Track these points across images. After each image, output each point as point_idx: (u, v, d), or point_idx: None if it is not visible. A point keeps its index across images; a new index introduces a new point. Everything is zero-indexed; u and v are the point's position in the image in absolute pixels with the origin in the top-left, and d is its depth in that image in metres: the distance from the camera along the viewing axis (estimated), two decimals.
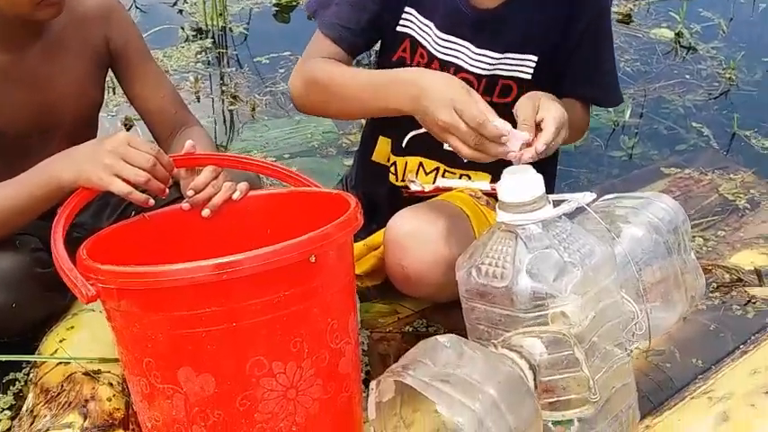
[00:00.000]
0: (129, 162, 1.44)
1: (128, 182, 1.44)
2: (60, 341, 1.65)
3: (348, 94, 1.56)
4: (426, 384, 1.24)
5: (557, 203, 1.41)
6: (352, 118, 1.78)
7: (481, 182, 1.60)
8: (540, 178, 1.38)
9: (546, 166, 1.62)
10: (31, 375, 1.65)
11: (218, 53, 3.15)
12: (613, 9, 3.25)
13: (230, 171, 1.61)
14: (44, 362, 1.63)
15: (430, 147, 1.58)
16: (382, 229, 1.81)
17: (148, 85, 1.80)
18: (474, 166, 1.71)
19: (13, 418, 1.58)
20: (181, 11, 3.45)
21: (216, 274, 1.21)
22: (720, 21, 3.37)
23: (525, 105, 1.44)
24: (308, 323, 1.29)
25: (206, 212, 1.55)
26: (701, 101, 2.88)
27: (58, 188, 1.47)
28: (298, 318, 1.28)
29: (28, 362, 1.68)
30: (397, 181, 1.81)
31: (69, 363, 1.60)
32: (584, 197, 1.38)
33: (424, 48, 1.67)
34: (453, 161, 1.72)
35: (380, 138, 1.83)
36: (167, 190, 1.49)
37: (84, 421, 1.48)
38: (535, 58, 1.64)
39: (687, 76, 3.02)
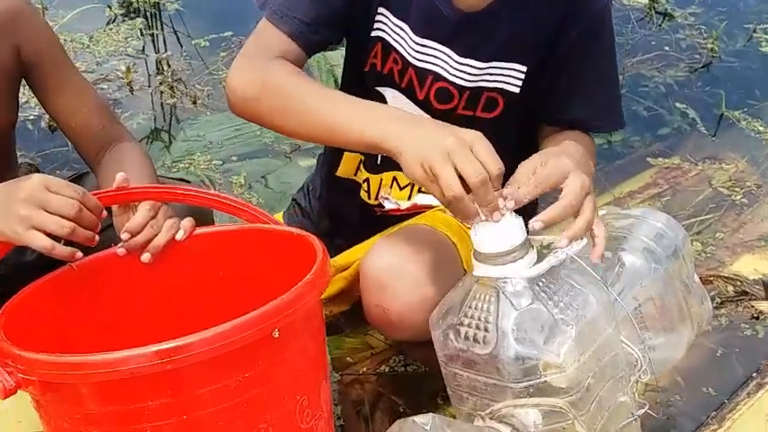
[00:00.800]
0: (49, 210, 1.25)
1: (49, 234, 1.25)
2: None
3: (317, 114, 1.33)
4: None
5: (541, 248, 1.25)
6: (314, 140, 1.53)
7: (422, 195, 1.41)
8: (519, 221, 1.22)
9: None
10: None
11: (152, 35, 2.91)
12: None
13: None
14: None
15: None
16: (352, 248, 1.65)
17: (69, 98, 1.59)
18: None
19: None
20: None
21: (159, 363, 1.03)
22: None
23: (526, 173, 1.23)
24: (273, 406, 1.13)
25: (146, 257, 1.37)
26: (683, 76, 2.75)
27: None
28: (261, 402, 1.11)
29: None
30: (369, 199, 1.63)
31: None
32: (575, 246, 1.22)
33: (397, 52, 1.48)
34: None
35: (345, 153, 1.64)
36: (96, 237, 1.30)
37: None
38: (524, 69, 1.46)
39: (666, 48, 2.88)
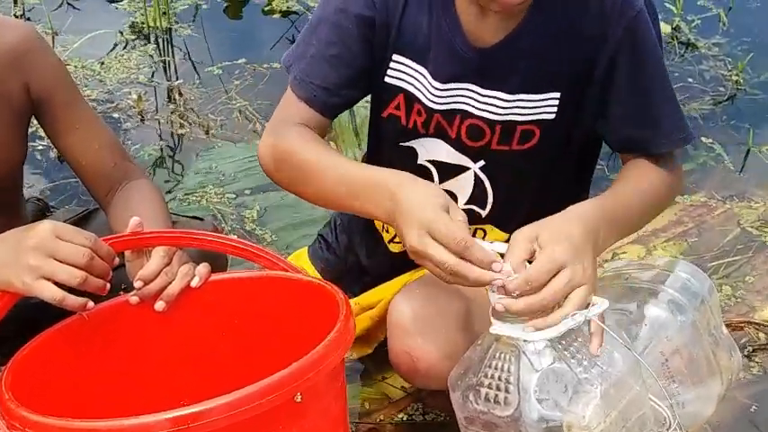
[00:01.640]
0: (59, 259, 1.22)
1: (59, 284, 1.22)
2: None
3: (322, 185, 1.37)
4: None
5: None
6: (329, 209, 1.56)
7: (498, 243, 1.40)
8: None
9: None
10: None
11: (163, 62, 2.89)
12: None
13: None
14: None
15: None
16: (379, 287, 1.62)
17: (80, 135, 1.56)
18: (494, 216, 1.53)
19: None
20: (119, 8, 3.18)
21: (176, 430, 1.00)
22: (719, 11, 3.19)
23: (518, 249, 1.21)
24: None
25: (160, 306, 1.35)
26: (707, 109, 2.71)
27: None
28: None
29: None
30: (402, 247, 1.59)
31: None
32: (596, 307, 1.18)
33: (420, 102, 1.45)
34: (468, 216, 1.51)
35: None
36: (107, 285, 1.27)
37: None
38: (557, 95, 1.41)
39: (690, 79, 2.84)
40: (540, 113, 1.42)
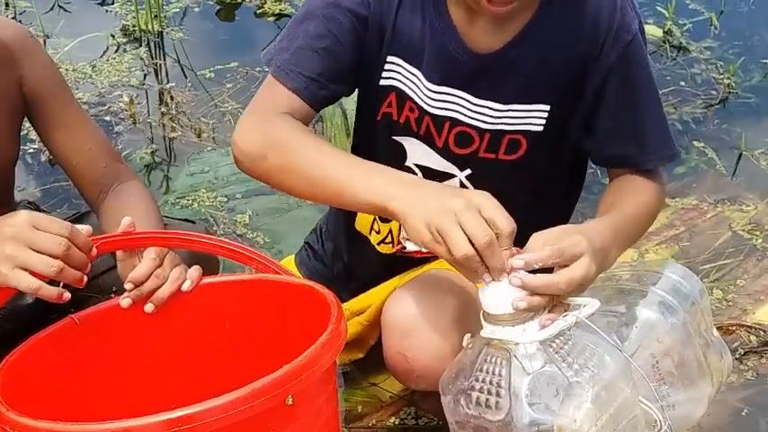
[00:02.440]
0: (35, 249, 1.21)
1: (36, 274, 1.21)
2: None
3: (320, 175, 1.32)
4: None
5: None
6: (318, 200, 1.55)
7: None
8: None
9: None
10: None
11: (155, 65, 2.89)
12: None
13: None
14: None
15: None
16: (369, 291, 1.62)
17: (72, 136, 1.56)
18: None
19: None
20: (110, 11, 3.17)
21: None
22: (711, 15, 3.20)
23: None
24: None
25: (149, 308, 1.35)
26: (699, 113, 2.71)
27: None
28: None
29: None
30: (393, 247, 1.59)
31: None
32: (588, 307, 1.18)
33: (413, 101, 1.45)
34: None
35: None
36: (85, 277, 1.26)
37: None
38: (547, 108, 1.42)
39: (682, 83, 2.85)
40: (528, 124, 1.43)
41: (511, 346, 1.18)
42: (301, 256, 1.79)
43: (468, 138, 1.45)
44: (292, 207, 2.25)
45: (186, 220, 1.67)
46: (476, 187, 1.48)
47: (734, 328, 1.81)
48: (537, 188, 1.51)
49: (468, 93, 1.42)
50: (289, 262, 1.77)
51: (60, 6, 3.16)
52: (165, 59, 2.93)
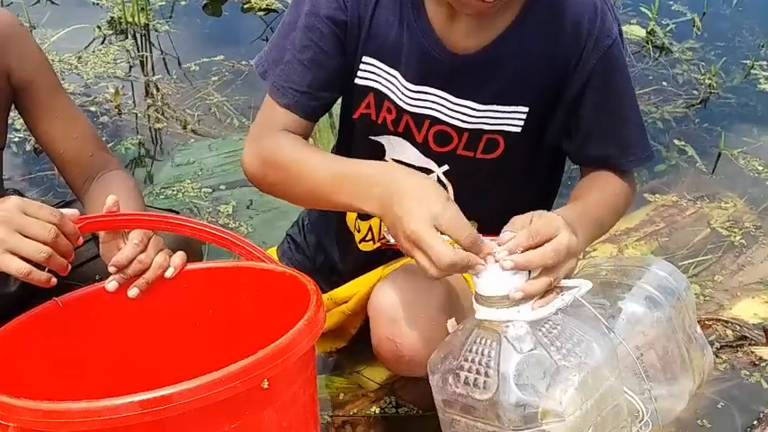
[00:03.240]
0: (25, 234, 1.22)
1: (25, 259, 1.22)
2: None
3: (311, 185, 1.37)
4: None
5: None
6: (319, 207, 1.59)
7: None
8: None
9: None
10: None
11: (141, 56, 2.89)
12: None
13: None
14: None
15: None
16: (353, 281, 1.63)
17: (58, 125, 1.56)
18: None
19: None
20: (97, 3, 3.17)
21: (142, 413, 1.01)
22: (694, 16, 3.23)
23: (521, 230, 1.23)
24: None
25: (133, 293, 1.35)
26: (680, 112, 2.74)
27: None
28: None
29: None
30: (375, 244, 1.60)
31: None
32: (579, 290, 1.20)
33: (391, 101, 1.46)
34: None
35: None
36: (69, 265, 1.27)
37: None
38: (526, 109, 1.43)
39: (664, 83, 2.88)
40: (507, 125, 1.44)
41: (501, 328, 1.19)
42: (283, 248, 1.80)
43: (447, 136, 1.46)
44: (276, 200, 2.26)
45: (170, 210, 1.67)
46: (453, 183, 1.51)
47: (711, 322, 1.83)
48: (514, 185, 1.53)
49: (446, 92, 1.43)
50: (271, 253, 1.78)
51: None
52: (151, 52, 2.93)
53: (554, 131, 1.46)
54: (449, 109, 1.44)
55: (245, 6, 3.21)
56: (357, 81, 1.46)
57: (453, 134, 1.45)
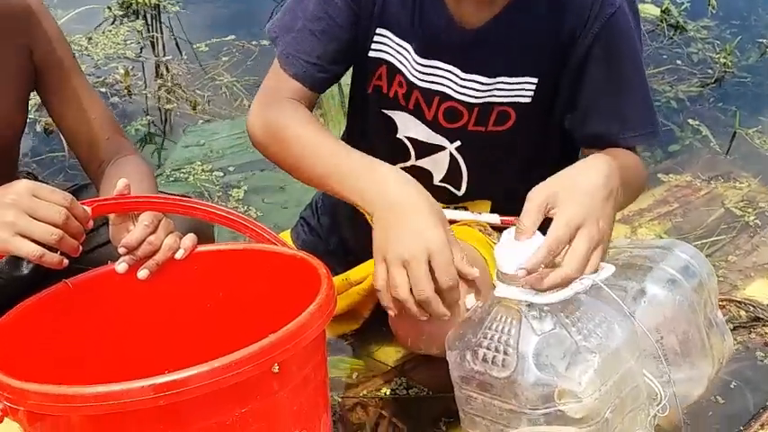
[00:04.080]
0: (36, 217, 1.22)
1: (36, 241, 1.21)
2: None
3: (312, 166, 1.37)
4: None
5: None
6: (316, 188, 1.56)
7: (490, 215, 1.42)
8: None
9: None
10: None
11: (152, 37, 2.88)
12: None
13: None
14: None
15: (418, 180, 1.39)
16: (368, 261, 1.61)
17: (77, 107, 1.56)
18: (470, 196, 1.54)
19: None
20: None
21: (154, 397, 1.01)
22: None
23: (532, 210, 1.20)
24: None
25: (143, 274, 1.34)
26: (695, 91, 2.71)
27: None
28: None
29: None
30: None
31: None
32: (599, 274, 1.19)
33: (402, 74, 1.45)
34: (444, 195, 1.53)
35: None
36: (80, 247, 1.27)
37: None
38: (534, 80, 1.42)
39: (678, 62, 2.85)
40: (517, 96, 1.43)
41: (522, 307, 1.19)
42: (297, 230, 1.80)
43: (458, 112, 1.45)
44: (287, 182, 2.25)
45: (183, 196, 1.66)
46: (465, 158, 1.50)
47: (724, 303, 1.82)
48: (527, 158, 1.51)
49: (455, 66, 1.42)
50: (285, 236, 1.77)
51: None
52: (161, 32, 2.92)
53: (561, 104, 1.44)
54: (458, 84, 1.43)
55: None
56: (371, 53, 1.45)
57: (463, 110, 1.44)
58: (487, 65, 1.41)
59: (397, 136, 1.51)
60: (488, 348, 1.20)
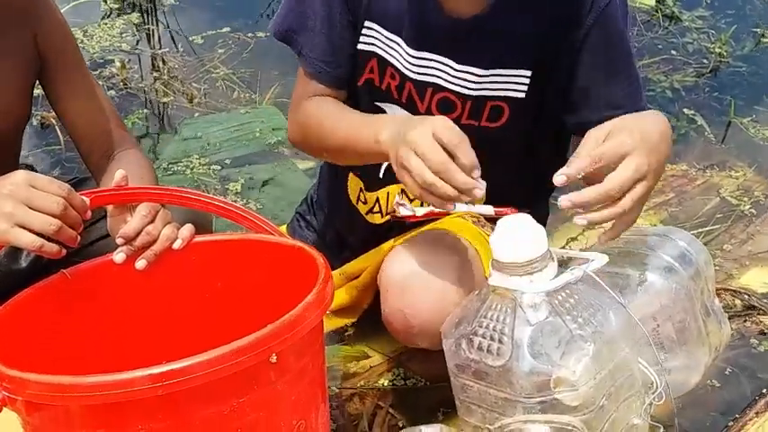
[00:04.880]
0: (33, 207, 1.22)
1: (35, 232, 1.22)
2: None
3: (339, 132, 1.42)
4: None
5: (561, 260, 1.24)
6: (349, 156, 1.52)
7: (483, 206, 1.40)
8: (542, 232, 1.20)
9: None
10: None
11: (148, 30, 2.88)
12: None
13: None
14: None
15: None
16: (363, 255, 1.63)
17: (79, 99, 1.55)
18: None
19: None
20: None
21: (152, 387, 1.01)
22: None
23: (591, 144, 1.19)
24: None
25: (141, 264, 1.34)
26: (690, 81, 2.72)
27: None
28: (256, 428, 1.09)
29: None
30: (383, 217, 1.60)
31: None
32: (596, 262, 1.20)
33: (394, 67, 1.46)
34: None
35: (350, 175, 1.62)
36: (78, 237, 1.27)
37: None
38: (528, 73, 1.42)
39: (673, 52, 2.85)
40: (510, 90, 1.43)
41: (517, 295, 1.19)
42: (293, 226, 1.80)
43: (451, 104, 1.45)
44: (285, 175, 2.26)
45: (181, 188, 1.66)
46: None
47: (719, 292, 1.82)
48: (519, 156, 1.52)
49: (449, 58, 1.42)
50: (282, 231, 1.78)
51: None
52: (157, 25, 2.92)
53: (552, 96, 1.44)
54: (451, 76, 1.43)
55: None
56: (360, 46, 1.46)
57: (457, 102, 1.44)
58: (481, 56, 1.41)
59: None
60: (483, 337, 1.21)
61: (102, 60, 2.69)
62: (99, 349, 1.32)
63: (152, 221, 1.34)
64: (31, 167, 1.81)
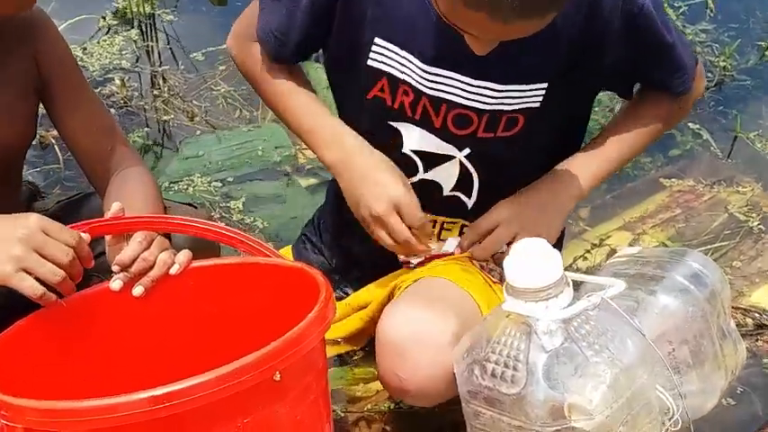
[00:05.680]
0: (43, 254, 1.21)
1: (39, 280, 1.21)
2: None
3: (284, 118, 1.56)
4: None
5: (576, 284, 1.20)
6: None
7: (451, 239, 1.54)
8: (557, 256, 1.17)
9: None
10: None
11: (147, 47, 2.85)
12: None
13: None
14: None
15: (424, 197, 1.44)
16: (370, 285, 1.61)
17: (81, 118, 1.53)
18: (481, 203, 1.52)
19: None
20: None
21: (153, 409, 0.99)
22: None
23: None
24: None
25: (138, 291, 1.32)
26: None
27: None
28: None
29: None
30: None
31: None
32: (614, 288, 1.16)
33: (407, 84, 1.42)
34: (454, 204, 1.53)
35: None
36: (75, 289, 1.28)
37: None
38: (544, 85, 1.40)
39: None
40: (527, 102, 1.41)
41: (531, 321, 1.16)
42: (299, 247, 1.77)
43: (467, 119, 1.42)
44: (288, 193, 2.23)
45: (189, 204, 1.64)
46: (474, 165, 1.48)
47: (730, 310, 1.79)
48: (533, 158, 1.50)
49: (464, 75, 1.39)
50: (286, 252, 1.75)
51: None
52: (157, 42, 2.89)
53: (573, 99, 1.46)
54: (468, 92, 1.40)
55: None
56: (370, 63, 1.42)
57: (473, 116, 1.41)
58: (498, 72, 1.38)
59: (403, 151, 1.48)
60: (497, 363, 1.18)
61: (101, 78, 2.66)
62: (98, 377, 1.30)
63: (148, 247, 1.32)
64: (33, 184, 1.78)
